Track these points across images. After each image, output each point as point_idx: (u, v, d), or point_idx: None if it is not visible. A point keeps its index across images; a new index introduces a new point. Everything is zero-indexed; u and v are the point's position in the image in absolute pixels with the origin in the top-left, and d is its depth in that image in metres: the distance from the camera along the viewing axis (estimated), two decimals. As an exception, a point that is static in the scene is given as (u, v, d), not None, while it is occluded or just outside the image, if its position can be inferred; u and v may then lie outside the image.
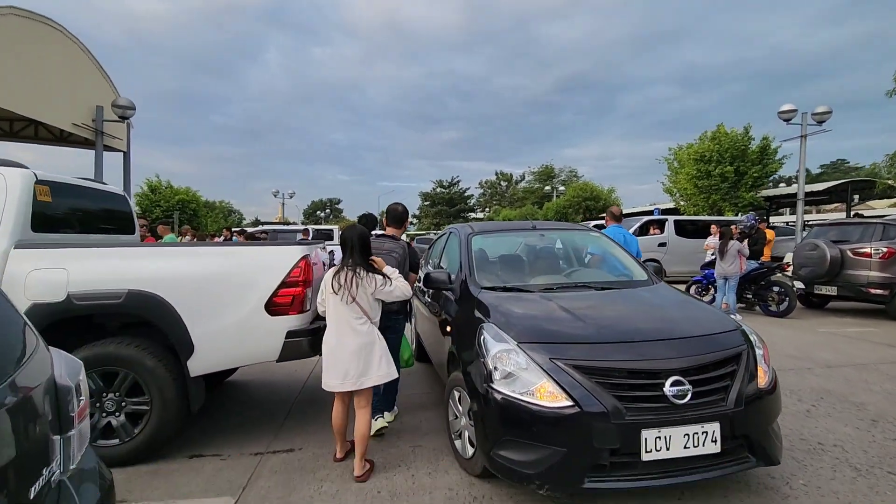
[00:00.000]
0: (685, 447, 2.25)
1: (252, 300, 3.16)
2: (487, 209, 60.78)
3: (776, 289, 8.27)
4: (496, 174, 62.28)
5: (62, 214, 3.60)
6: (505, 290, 3.30)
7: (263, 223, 36.29)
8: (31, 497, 1.24)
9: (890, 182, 25.15)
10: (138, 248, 3.13)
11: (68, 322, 3.06)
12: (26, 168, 3.28)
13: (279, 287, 3.20)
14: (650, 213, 18.64)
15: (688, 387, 2.29)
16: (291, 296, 3.24)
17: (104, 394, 3.08)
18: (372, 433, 3.29)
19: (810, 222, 16.39)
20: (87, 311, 3.01)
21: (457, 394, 3.01)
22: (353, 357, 2.87)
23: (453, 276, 3.64)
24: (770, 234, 9.12)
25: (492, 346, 2.59)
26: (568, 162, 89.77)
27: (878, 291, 7.73)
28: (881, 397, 4.20)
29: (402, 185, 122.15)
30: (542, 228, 4.23)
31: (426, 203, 63.00)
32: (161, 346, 3.15)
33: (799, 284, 8.31)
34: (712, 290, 8.83)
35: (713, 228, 10.95)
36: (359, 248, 2.96)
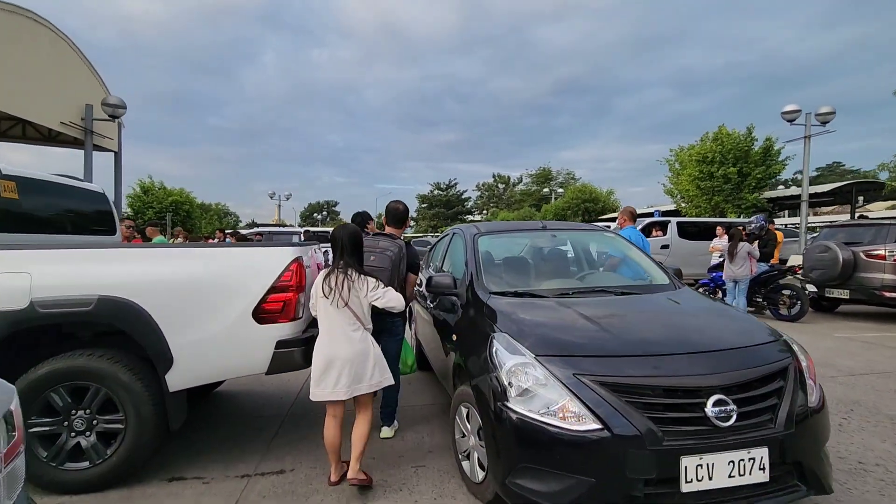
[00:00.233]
0: (730, 476, 1.96)
1: (238, 307, 2.86)
2: (485, 211, 60.59)
3: (787, 292, 8.02)
4: (493, 176, 62.26)
5: (31, 213, 3.30)
6: (516, 295, 3.01)
7: (259, 225, 35.95)
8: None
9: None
10: (111, 251, 2.83)
11: (35, 332, 2.76)
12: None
13: (268, 292, 2.91)
14: (649, 215, 18.41)
15: (732, 407, 2.00)
16: (282, 302, 2.95)
17: (73, 411, 2.77)
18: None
19: (810, 224, 16.15)
20: (53, 320, 2.70)
21: (464, 410, 2.72)
22: (346, 366, 2.68)
23: (458, 280, 3.35)
24: (779, 235, 8.87)
25: (506, 359, 2.30)
26: (565, 164, 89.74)
27: (894, 295, 7.48)
28: (914, 409, 3.94)
29: (399, 188, 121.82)
30: (553, 229, 3.94)
31: (423, 205, 62.81)
32: (137, 358, 2.85)
33: (811, 288, 8.05)
34: (720, 293, 8.57)
35: (719, 230, 10.71)
36: (349, 249, 2.78)
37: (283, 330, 2.96)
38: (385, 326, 3.24)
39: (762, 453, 1.99)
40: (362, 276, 2.79)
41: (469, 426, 2.66)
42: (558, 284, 3.33)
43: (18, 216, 3.12)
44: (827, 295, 8.45)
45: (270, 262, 2.97)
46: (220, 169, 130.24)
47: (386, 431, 3.55)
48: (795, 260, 10.94)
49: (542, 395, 2.13)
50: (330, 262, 2.92)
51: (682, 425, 1.99)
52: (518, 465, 2.11)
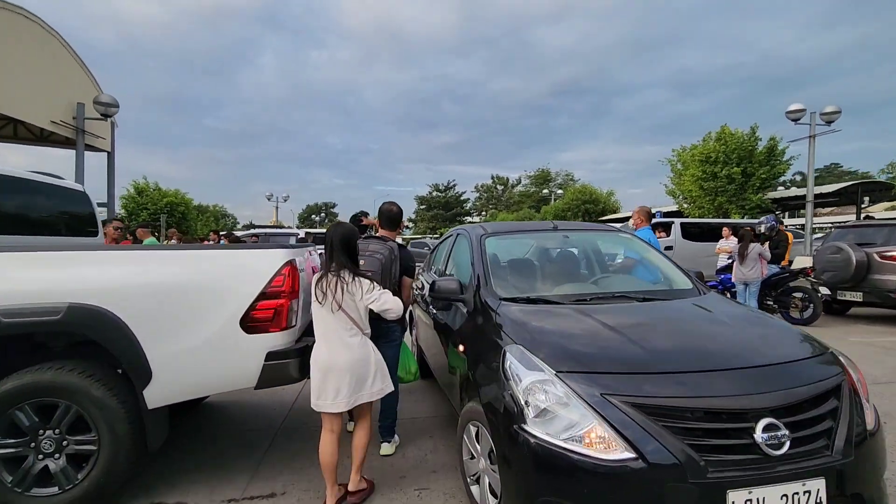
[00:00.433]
0: (783, 512, 1.71)
1: (224, 314, 2.61)
2: (484, 213, 60.38)
3: (799, 294, 7.78)
4: (492, 178, 62.13)
5: (1, 213, 3.04)
6: (528, 301, 2.75)
7: (258, 227, 35.66)
8: None
9: None
10: (84, 253, 2.57)
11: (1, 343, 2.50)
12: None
13: (257, 299, 2.65)
14: (651, 216, 18.15)
15: (784, 432, 1.75)
16: (273, 309, 2.70)
17: (41, 431, 2.51)
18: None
19: (813, 225, 15.92)
20: (18, 331, 2.43)
21: (473, 429, 2.46)
22: (346, 374, 2.53)
23: (465, 285, 3.10)
24: (789, 236, 8.63)
25: (522, 376, 2.04)
26: (563, 166, 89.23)
27: (910, 297, 7.24)
28: (950, 421, 3.69)
29: (398, 189, 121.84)
30: (565, 229, 3.68)
31: (422, 207, 62.62)
32: (112, 372, 2.59)
33: (825, 290, 7.81)
34: (728, 296, 8.33)
35: (725, 231, 10.50)
36: (340, 249, 2.59)
37: (274, 340, 2.71)
38: (381, 332, 3.02)
39: (819, 485, 1.74)
40: (357, 277, 2.59)
41: (479, 447, 2.40)
42: (573, 289, 3.07)
43: (-15, 216, 2.85)
44: (839, 298, 8.21)
45: (260, 266, 2.71)
46: (218, 171, 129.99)
47: (386, 448, 3.29)
48: (801, 261, 10.71)
49: (564, 417, 1.87)
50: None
51: (727, 454, 1.74)
52: (539, 500, 1.85)
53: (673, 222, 13.37)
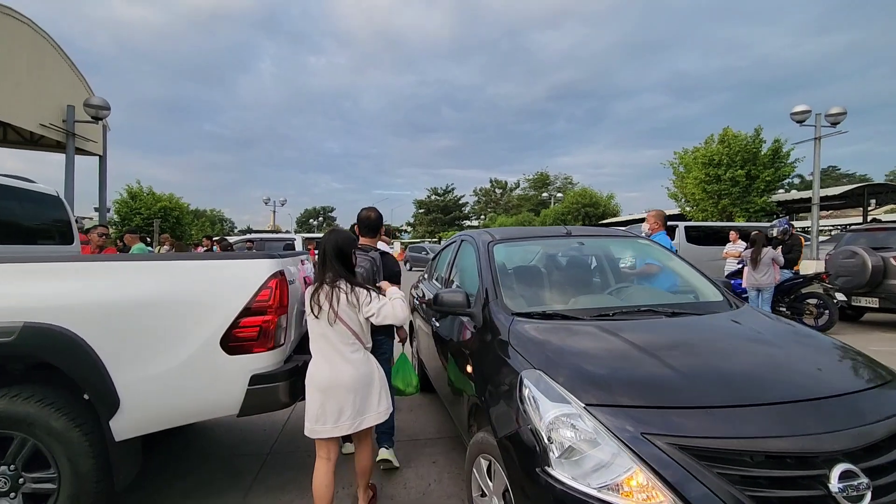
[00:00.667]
0: (864, 579, 1.42)
1: (202, 334, 2.32)
2: (483, 216, 60.15)
3: (813, 301, 7.50)
4: (491, 181, 61.91)
5: (-41, 219, 2.75)
6: (544, 317, 2.46)
7: (254, 231, 35.33)
8: None
9: None
10: (43, 265, 2.27)
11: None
12: None
13: (240, 315, 2.37)
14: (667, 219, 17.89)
15: (864, 480, 1.46)
16: (258, 326, 2.41)
17: (-8, 468, 2.21)
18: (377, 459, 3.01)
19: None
20: (-35, 354, 2.14)
21: (484, 463, 2.16)
22: (349, 393, 2.32)
23: (472, 297, 2.81)
24: (801, 240, 8.37)
25: (544, 408, 1.75)
26: (561, 170, 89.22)
27: (930, 304, 6.97)
28: None
29: (396, 194, 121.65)
30: (580, 235, 3.39)
31: (421, 211, 62.37)
32: (75, 400, 2.29)
33: (840, 297, 7.54)
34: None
35: (732, 235, 10.23)
36: (333, 257, 2.40)
37: (260, 361, 2.42)
38: None
39: (908, 545, 1.45)
40: (355, 287, 2.39)
41: (491, 484, 2.11)
42: (592, 302, 2.79)
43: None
44: (853, 304, 7.94)
45: (243, 279, 2.43)
46: (216, 175, 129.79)
47: (385, 453, 3.10)
48: (809, 266, 10.44)
49: (596, 459, 1.58)
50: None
51: (796, 507, 1.45)
52: (566, 558, 1.55)
53: (677, 226, 13.10)
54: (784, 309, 7.75)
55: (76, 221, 8.24)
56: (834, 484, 1.44)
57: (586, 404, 1.69)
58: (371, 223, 3.17)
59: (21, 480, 2.24)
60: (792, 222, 10.53)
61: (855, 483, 1.45)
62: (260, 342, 2.41)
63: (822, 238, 16.64)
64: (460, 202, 61.88)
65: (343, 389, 2.31)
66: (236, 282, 2.41)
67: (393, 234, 60.62)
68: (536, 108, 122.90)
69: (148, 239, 16.22)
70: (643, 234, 4.19)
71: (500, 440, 1.95)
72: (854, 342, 6.54)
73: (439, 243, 41.08)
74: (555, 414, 1.71)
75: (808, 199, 14.31)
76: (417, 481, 3.00)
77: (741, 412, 1.62)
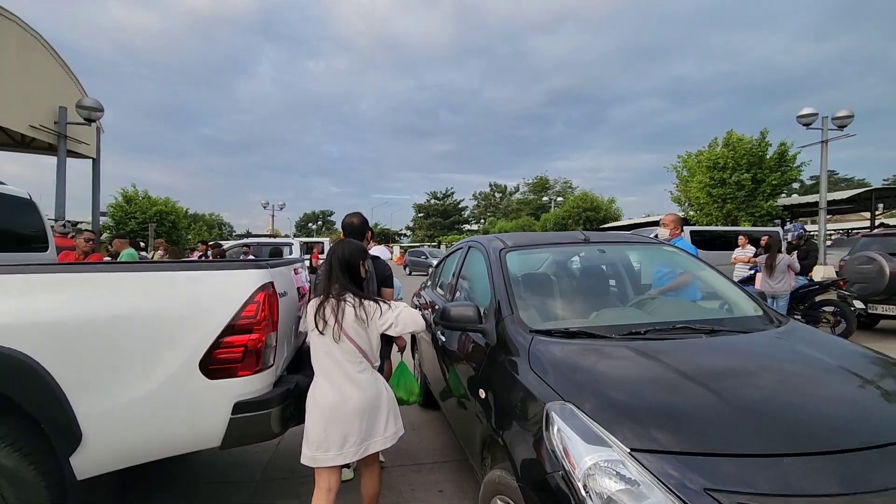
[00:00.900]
0: None
1: (179, 356, 2.03)
2: (482, 220, 59.94)
3: (830, 308, 7.22)
4: (490, 185, 61.76)
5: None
6: (566, 335, 2.17)
7: (254, 235, 35.02)
8: None
9: None
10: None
11: None
12: None
13: (222, 334, 2.08)
14: (655, 223, 17.69)
15: None
16: (242, 346, 2.12)
17: (-67, 512, 1.91)
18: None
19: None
20: None
21: (501, 506, 1.87)
22: (354, 417, 2.14)
23: (483, 311, 2.52)
24: (816, 245, 8.10)
25: (580, 452, 1.46)
26: (559, 174, 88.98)
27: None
28: None
29: (396, 198, 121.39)
30: (599, 242, 3.10)
31: (420, 215, 62.18)
32: (31, 432, 1.99)
33: (859, 304, 7.25)
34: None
35: (741, 240, 9.97)
36: (339, 269, 2.26)
37: (245, 386, 2.13)
38: None
39: None
40: (364, 300, 2.23)
41: (510, 532, 1.81)
42: (617, 317, 2.50)
43: None
44: (869, 311, 7.65)
45: (227, 292, 2.14)
46: (216, 180, 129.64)
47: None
48: (817, 271, 10.16)
49: (646, 518, 1.29)
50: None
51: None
52: None
53: (683, 230, 12.86)
54: (799, 317, 7.47)
55: (65, 226, 7.95)
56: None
57: (631, 449, 1.41)
58: (355, 229, 3.09)
59: (-33, 526, 1.94)
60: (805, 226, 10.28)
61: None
62: (245, 364, 2.13)
63: (826, 243, 16.39)
64: (460, 206, 61.72)
65: (349, 413, 2.12)
66: (218, 295, 2.12)
67: (392, 238, 60.41)
68: (534, 112, 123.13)
69: (142, 244, 15.91)
70: (662, 240, 3.92)
71: (522, 484, 1.66)
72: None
73: (439, 247, 40.84)
74: (593, 460, 1.42)
75: (815, 204, 14.06)
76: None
77: (823, 462, 1.33)
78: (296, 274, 3.14)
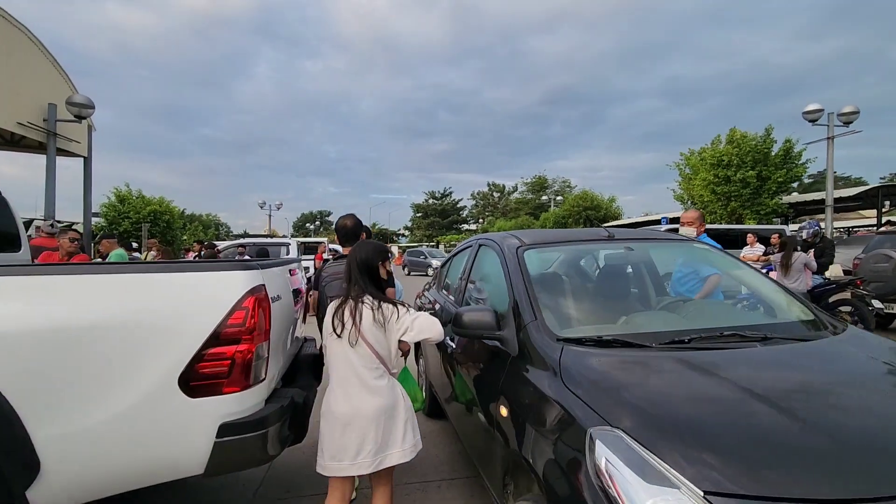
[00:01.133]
0: None
1: (155, 370, 1.76)
2: (481, 220, 59.73)
3: (847, 308, 6.98)
4: (488, 185, 61.54)
5: None
6: (600, 343, 1.90)
7: (251, 236, 34.71)
8: None
9: None
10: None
11: None
12: None
13: (206, 344, 1.81)
14: (656, 222, 17.47)
15: None
16: (229, 359, 1.85)
17: None
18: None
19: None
20: None
21: (531, 544, 1.60)
22: (371, 425, 2.04)
23: (501, 315, 2.25)
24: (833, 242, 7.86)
25: (639, 494, 1.19)
26: (558, 173, 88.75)
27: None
28: None
29: (394, 198, 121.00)
30: (625, 238, 2.83)
31: (419, 215, 61.96)
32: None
33: (877, 304, 7.02)
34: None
35: (750, 238, 9.77)
36: (359, 271, 2.17)
37: (232, 405, 1.86)
38: None
39: None
40: (382, 303, 2.12)
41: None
42: (653, 323, 2.24)
43: None
44: (886, 310, 7.43)
45: (211, 296, 1.87)
46: (214, 180, 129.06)
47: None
48: (833, 270, 9.93)
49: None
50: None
51: None
52: None
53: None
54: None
55: (53, 225, 7.64)
56: None
57: (706, 491, 1.13)
58: (349, 231, 3.03)
59: None
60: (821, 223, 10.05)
61: None
62: (232, 379, 1.86)
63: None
64: (458, 206, 61.49)
65: (363, 420, 2.04)
66: (201, 300, 1.86)
67: (390, 238, 60.15)
68: (532, 112, 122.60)
69: (135, 244, 15.57)
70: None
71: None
72: None
73: (437, 247, 40.55)
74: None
75: (821, 201, 13.85)
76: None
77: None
78: (292, 275, 2.87)
